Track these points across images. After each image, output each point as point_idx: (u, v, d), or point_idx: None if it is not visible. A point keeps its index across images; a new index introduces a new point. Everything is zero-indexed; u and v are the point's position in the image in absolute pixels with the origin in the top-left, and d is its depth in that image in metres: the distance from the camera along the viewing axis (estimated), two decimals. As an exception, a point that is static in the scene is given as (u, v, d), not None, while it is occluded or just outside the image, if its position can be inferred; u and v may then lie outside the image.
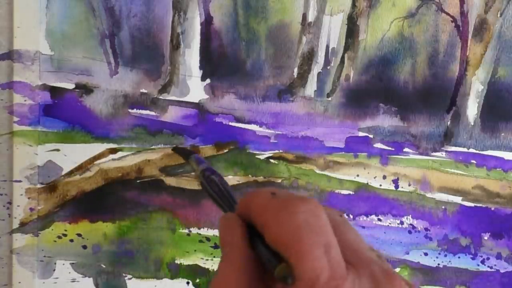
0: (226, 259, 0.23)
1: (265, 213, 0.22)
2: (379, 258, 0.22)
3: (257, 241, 0.22)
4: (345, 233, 0.23)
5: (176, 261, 0.44)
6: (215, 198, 0.31)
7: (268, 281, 0.22)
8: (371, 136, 0.45)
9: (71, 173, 0.42)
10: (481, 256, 0.48)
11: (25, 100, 0.40)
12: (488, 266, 0.48)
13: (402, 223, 0.47)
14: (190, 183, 0.43)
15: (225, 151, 0.44)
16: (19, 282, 0.41)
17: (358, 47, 0.44)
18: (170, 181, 0.43)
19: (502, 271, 0.48)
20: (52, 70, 0.40)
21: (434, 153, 0.47)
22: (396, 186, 0.46)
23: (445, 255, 0.47)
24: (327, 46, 0.44)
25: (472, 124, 0.47)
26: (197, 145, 0.43)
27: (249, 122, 0.44)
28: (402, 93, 0.45)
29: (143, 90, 0.42)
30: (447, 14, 0.45)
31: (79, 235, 0.42)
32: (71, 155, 0.41)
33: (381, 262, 0.22)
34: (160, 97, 0.42)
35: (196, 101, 0.43)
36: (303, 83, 0.44)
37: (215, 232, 0.44)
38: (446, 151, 0.47)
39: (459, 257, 0.48)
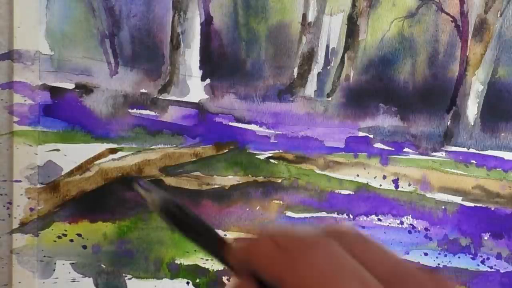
0: None
1: (276, 270, 0.19)
2: (415, 268, 0.20)
3: None
4: (375, 252, 0.21)
5: (176, 261, 0.44)
6: (187, 233, 0.23)
7: None
8: (371, 136, 0.45)
9: (71, 173, 0.42)
10: (481, 256, 0.48)
11: (25, 100, 0.40)
12: (488, 266, 0.48)
13: (402, 223, 0.47)
14: (190, 183, 0.43)
15: (225, 151, 0.44)
16: (19, 282, 0.41)
17: (358, 47, 0.44)
18: (170, 181, 0.43)
19: (502, 271, 0.48)
20: (52, 70, 0.40)
21: (434, 153, 0.47)
22: (396, 186, 0.46)
23: (445, 255, 0.47)
24: (327, 46, 0.44)
25: (472, 124, 0.47)
26: (197, 144, 0.43)
27: (249, 122, 0.44)
28: (402, 93, 0.45)
29: (143, 90, 0.42)
30: (447, 14, 0.45)
31: (79, 235, 0.42)
32: (71, 155, 0.41)
33: (421, 270, 0.20)
34: (160, 97, 0.42)
35: (196, 101, 0.43)
36: (303, 83, 0.44)
37: (215, 232, 0.44)
38: (446, 151, 0.47)
39: (459, 257, 0.48)
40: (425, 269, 0.20)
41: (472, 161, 0.47)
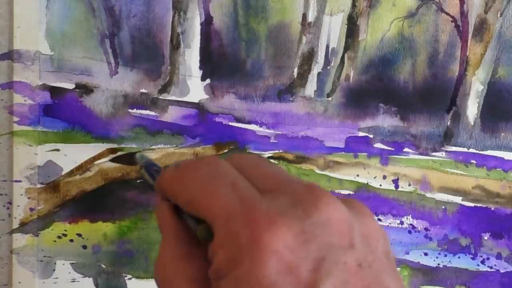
0: (162, 240, 0.23)
1: (172, 185, 0.22)
2: (300, 180, 0.21)
3: (183, 216, 0.23)
4: (263, 167, 0.22)
5: (176, 261, 0.44)
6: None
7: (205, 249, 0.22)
8: (371, 136, 0.45)
9: (71, 173, 0.42)
10: (481, 256, 0.48)
11: (25, 100, 0.40)
12: (488, 266, 0.48)
13: (402, 223, 0.47)
14: (190, 183, 0.43)
15: (225, 151, 0.44)
16: (19, 282, 0.41)
17: (358, 47, 0.44)
18: (170, 181, 0.43)
19: (502, 271, 0.48)
20: (52, 70, 0.40)
21: (434, 153, 0.47)
22: (396, 186, 0.46)
23: (445, 255, 0.47)
24: (327, 46, 0.44)
25: (472, 124, 0.47)
26: (197, 144, 0.43)
27: (249, 122, 0.44)
28: (402, 93, 0.45)
29: (143, 90, 0.42)
30: (447, 14, 0.45)
31: (79, 235, 0.42)
32: (71, 155, 0.41)
33: (303, 181, 0.21)
34: (160, 97, 0.42)
35: (196, 101, 0.43)
36: (303, 83, 0.44)
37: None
38: (446, 151, 0.47)
39: (459, 257, 0.48)
40: (309, 182, 0.21)
41: (472, 161, 0.47)
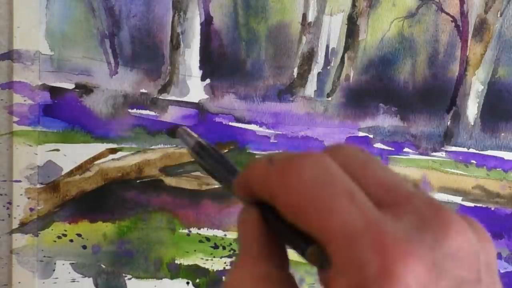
0: (240, 256, 0.20)
1: (270, 186, 0.19)
2: (419, 190, 0.18)
3: (278, 225, 0.19)
4: (373, 170, 0.19)
5: (176, 261, 0.44)
6: (212, 172, 0.27)
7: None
8: (371, 136, 0.45)
9: (71, 173, 0.42)
10: (481, 256, 0.48)
11: (25, 100, 0.40)
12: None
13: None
14: (190, 183, 0.43)
15: (225, 151, 0.44)
16: (19, 282, 0.41)
17: (358, 47, 0.44)
18: (170, 181, 0.43)
19: (502, 271, 0.48)
20: (52, 70, 0.40)
21: (434, 153, 0.47)
22: (396, 186, 0.46)
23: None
24: (327, 46, 0.44)
25: (472, 124, 0.47)
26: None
27: (249, 122, 0.44)
28: (402, 93, 0.45)
29: (143, 90, 0.42)
30: (447, 14, 0.45)
31: (79, 235, 0.42)
32: (71, 155, 0.41)
33: (423, 194, 0.18)
34: (160, 97, 0.42)
35: (196, 101, 0.43)
36: (303, 83, 0.44)
37: (215, 232, 0.44)
38: (446, 151, 0.47)
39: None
40: (429, 196, 0.18)
41: (472, 161, 0.47)
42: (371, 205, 0.17)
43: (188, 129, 0.31)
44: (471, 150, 0.47)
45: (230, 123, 0.43)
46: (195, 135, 0.29)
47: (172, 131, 0.38)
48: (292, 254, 0.19)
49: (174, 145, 0.43)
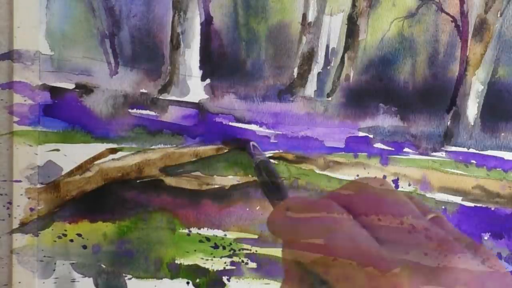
0: (285, 280, 0.22)
1: (285, 231, 0.21)
2: (431, 226, 0.20)
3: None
4: (385, 211, 0.21)
5: (176, 261, 0.44)
6: (265, 190, 0.32)
7: None
8: (371, 136, 0.45)
9: (71, 173, 0.42)
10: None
11: (25, 100, 0.40)
12: (488, 266, 0.48)
13: (402, 223, 0.47)
14: (190, 183, 0.43)
15: (225, 151, 0.44)
16: (19, 282, 0.41)
17: (358, 47, 0.44)
18: (170, 181, 0.43)
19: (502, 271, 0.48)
20: (52, 70, 0.40)
21: (434, 153, 0.47)
22: (396, 186, 0.46)
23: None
24: (327, 46, 0.44)
25: (472, 124, 0.47)
26: (197, 144, 0.43)
27: (249, 122, 0.44)
28: (402, 93, 0.45)
29: (143, 90, 0.42)
30: (447, 14, 0.45)
31: (79, 235, 0.42)
32: (71, 155, 0.41)
33: (430, 229, 0.19)
34: (160, 97, 0.42)
35: (196, 101, 0.43)
36: (303, 83, 0.44)
37: (215, 232, 0.44)
38: (446, 151, 0.47)
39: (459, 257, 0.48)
40: (444, 236, 0.19)
41: (472, 161, 0.47)
42: (372, 243, 0.19)
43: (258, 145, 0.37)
44: (471, 150, 0.47)
45: (230, 123, 0.43)
46: (264, 153, 0.35)
47: (242, 142, 0.39)
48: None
49: (174, 145, 0.43)
